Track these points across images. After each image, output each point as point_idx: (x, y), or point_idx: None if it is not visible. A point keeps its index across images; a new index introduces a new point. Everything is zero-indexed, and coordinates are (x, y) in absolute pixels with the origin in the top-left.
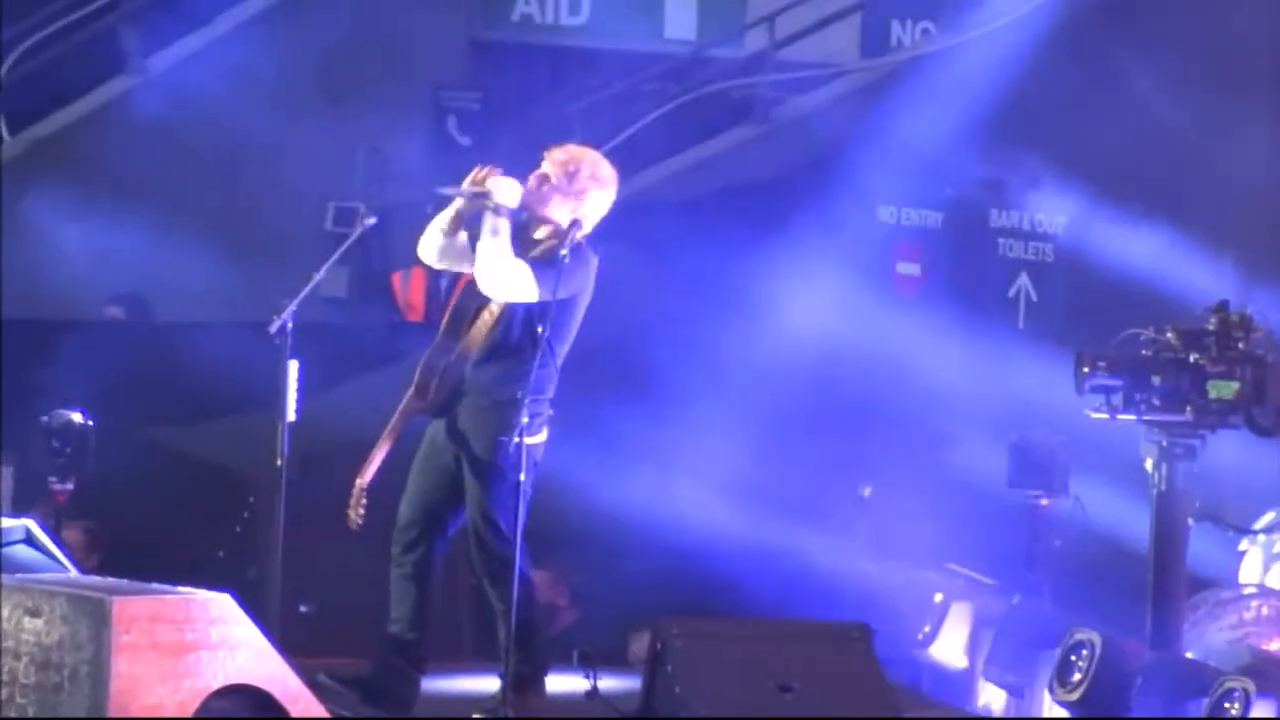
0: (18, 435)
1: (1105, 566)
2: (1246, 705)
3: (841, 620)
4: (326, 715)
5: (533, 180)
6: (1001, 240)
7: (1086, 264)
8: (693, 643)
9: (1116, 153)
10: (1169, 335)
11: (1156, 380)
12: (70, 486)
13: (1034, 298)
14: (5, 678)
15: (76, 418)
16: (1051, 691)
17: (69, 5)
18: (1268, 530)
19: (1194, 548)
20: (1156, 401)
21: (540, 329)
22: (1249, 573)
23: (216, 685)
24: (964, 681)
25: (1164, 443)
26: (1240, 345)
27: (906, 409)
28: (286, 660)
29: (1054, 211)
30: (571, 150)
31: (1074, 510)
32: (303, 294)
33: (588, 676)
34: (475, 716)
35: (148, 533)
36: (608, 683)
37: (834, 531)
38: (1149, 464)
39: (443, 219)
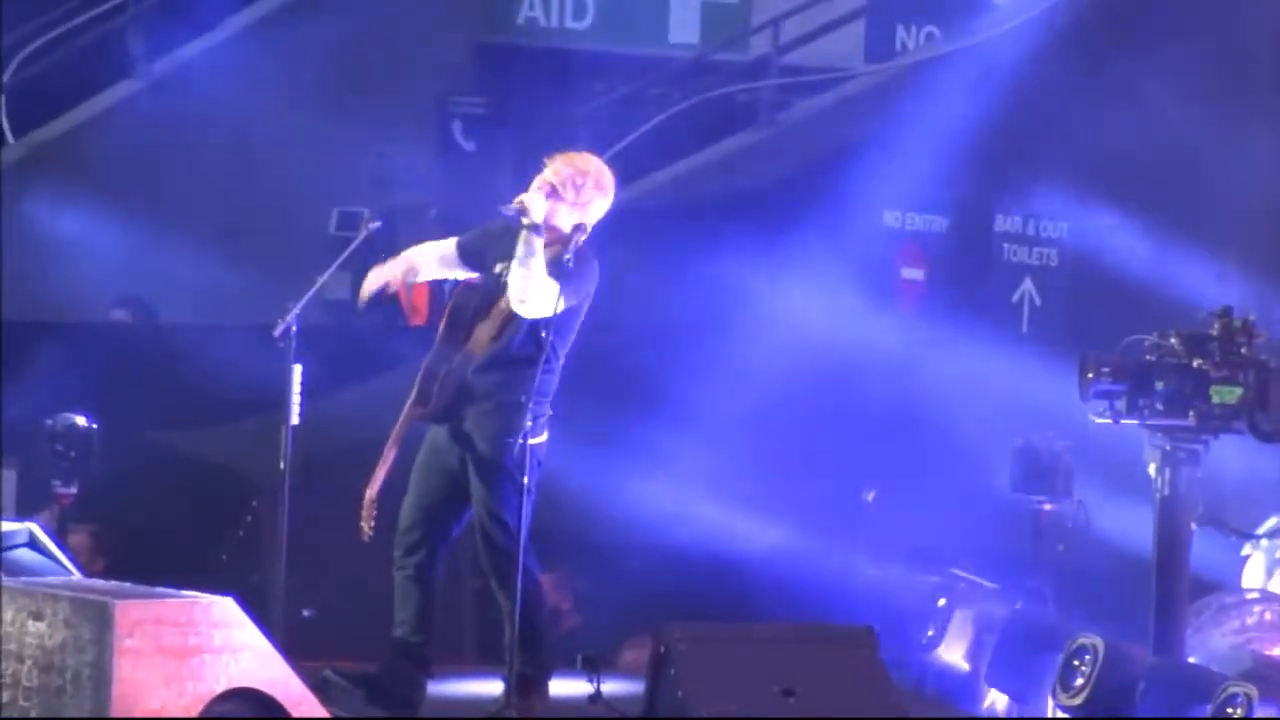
0: (21, 438)
1: (1108, 571)
2: (1249, 710)
3: (845, 624)
4: (329, 718)
5: (540, 190)
6: (1006, 245)
7: (1090, 269)
8: (696, 647)
9: (1121, 157)
10: (1172, 340)
11: (1160, 385)
12: (74, 490)
13: (1038, 302)
14: (8, 680)
15: (80, 421)
16: (1054, 696)
17: (74, 8)
18: (1271, 535)
19: (1197, 552)
20: (1160, 406)
21: (544, 334)
22: (1252, 577)
23: (219, 689)
24: (968, 685)
25: (1167, 447)
26: (1243, 350)
27: (910, 413)
28: (289, 664)
29: (1058, 216)
30: (575, 161)
31: (1077, 515)
32: (307, 297)
33: (590, 680)
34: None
35: (150, 536)
36: (610, 686)
37: (838, 536)
38: (1152, 469)
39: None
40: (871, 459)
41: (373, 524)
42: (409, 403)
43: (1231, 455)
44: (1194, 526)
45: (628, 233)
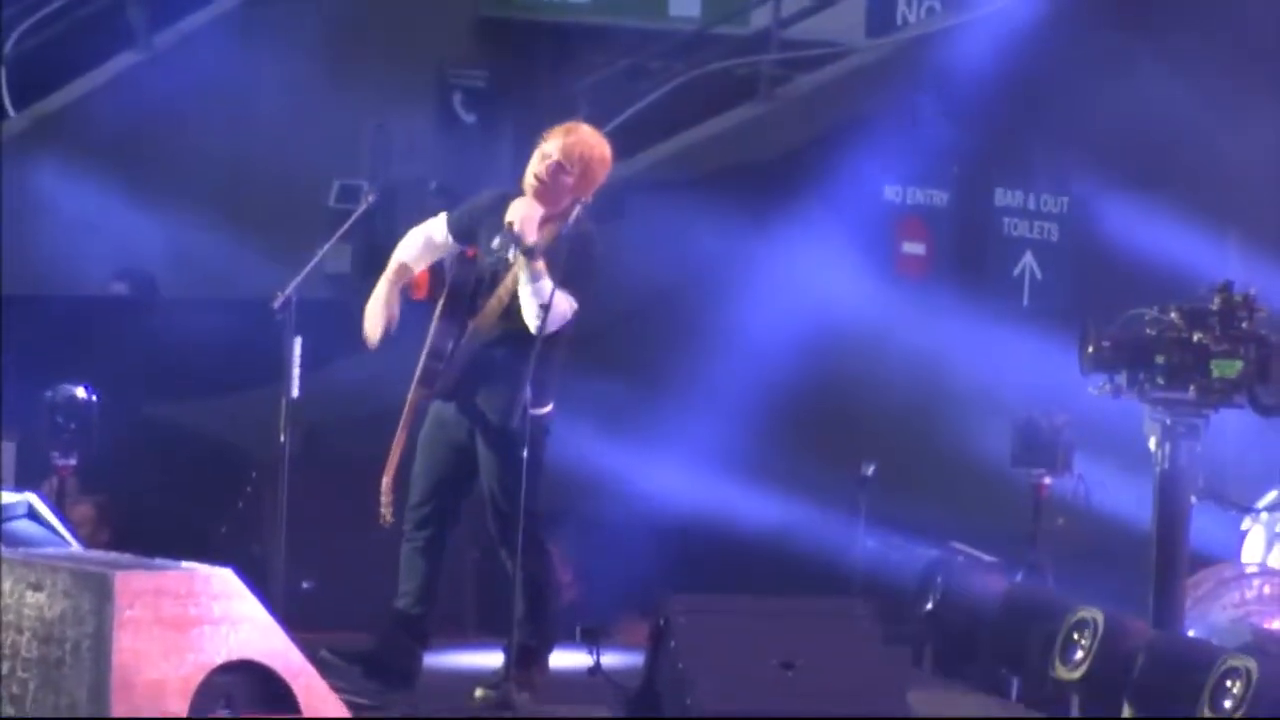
0: (21, 411)
1: (1108, 545)
2: (1248, 684)
3: (844, 598)
4: (329, 690)
5: (545, 172)
6: (1006, 219)
7: (1091, 243)
8: (695, 620)
9: (1122, 131)
10: (1173, 314)
11: (1160, 359)
12: (73, 462)
13: (1038, 276)
14: (7, 652)
15: (80, 393)
16: (1053, 669)
17: None
18: (1270, 509)
19: (1196, 526)
20: (1160, 380)
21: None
22: (1251, 551)
23: (219, 660)
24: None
25: (1167, 421)
26: (1244, 324)
27: (910, 387)
28: (289, 635)
29: (1059, 191)
30: (581, 137)
31: (1077, 489)
32: (306, 270)
33: (590, 653)
34: (478, 691)
35: (150, 508)
36: (610, 659)
37: (837, 509)
38: (1152, 443)
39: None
40: (871, 432)
41: (392, 510)
42: (414, 385)
43: (1231, 429)
44: (1194, 500)
45: (628, 206)
